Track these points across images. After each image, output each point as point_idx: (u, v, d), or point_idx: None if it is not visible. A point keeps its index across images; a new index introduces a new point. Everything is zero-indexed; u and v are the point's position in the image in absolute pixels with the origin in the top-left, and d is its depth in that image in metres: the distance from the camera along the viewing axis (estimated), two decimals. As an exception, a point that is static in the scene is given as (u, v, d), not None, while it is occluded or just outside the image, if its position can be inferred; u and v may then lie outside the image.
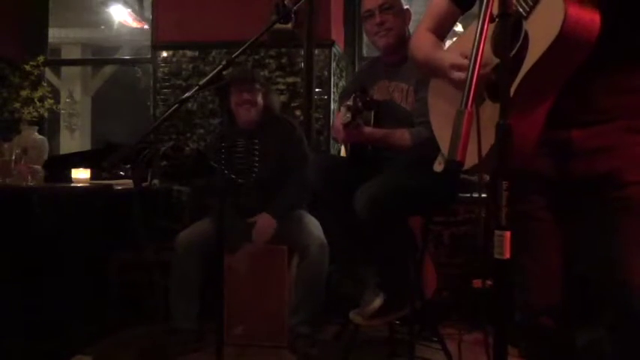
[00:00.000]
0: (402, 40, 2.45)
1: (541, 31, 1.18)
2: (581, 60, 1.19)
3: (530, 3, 1.20)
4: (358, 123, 2.27)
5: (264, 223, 2.80)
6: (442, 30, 1.58)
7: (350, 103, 2.32)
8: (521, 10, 1.22)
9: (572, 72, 1.22)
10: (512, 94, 1.22)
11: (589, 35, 1.16)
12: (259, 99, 2.93)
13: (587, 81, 1.25)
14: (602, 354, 1.39)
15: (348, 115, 2.28)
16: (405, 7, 2.51)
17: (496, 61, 1.28)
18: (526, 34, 1.21)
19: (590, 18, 1.16)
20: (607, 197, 1.28)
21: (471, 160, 1.06)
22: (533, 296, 1.44)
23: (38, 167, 3.06)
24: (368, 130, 2.34)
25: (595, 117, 1.28)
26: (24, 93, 3.58)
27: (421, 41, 1.57)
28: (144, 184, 2.86)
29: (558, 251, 1.41)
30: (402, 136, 2.32)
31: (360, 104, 2.28)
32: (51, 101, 3.69)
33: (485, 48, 1.23)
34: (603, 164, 1.27)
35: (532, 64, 1.19)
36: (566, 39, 1.14)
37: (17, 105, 3.56)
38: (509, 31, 1.03)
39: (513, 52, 1.23)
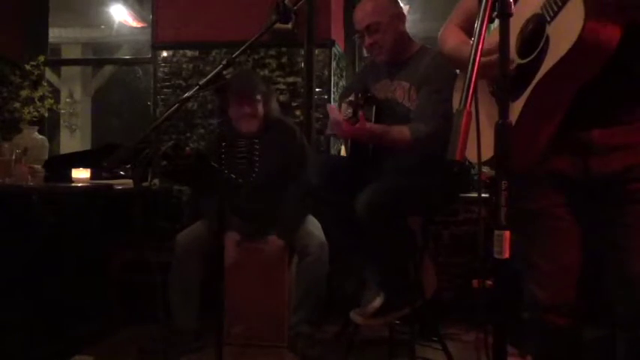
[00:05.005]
0: (400, 43, 2.46)
1: (561, 37, 1.20)
2: (600, 66, 1.21)
3: (555, 8, 1.22)
4: (359, 117, 2.28)
5: (275, 247, 2.83)
6: (470, 26, 1.60)
7: (352, 98, 2.33)
8: (546, 14, 1.24)
9: (589, 78, 1.23)
10: (528, 95, 1.26)
11: (607, 44, 1.18)
12: (260, 109, 2.89)
13: (612, 84, 1.27)
14: (609, 351, 1.40)
15: (350, 110, 2.29)
16: (397, 11, 2.46)
17: (518, 60, 1.30)
18: (547, 39, 1.24)
19: (610, 27, 1.18)
20: (623, 191, 1.31)
21: (486, 154, 1.08)
22: (543, 293, 1.45)
23: (38, 167, 3.06)
24: (368, 124, 2.32)
25: (618, 118, 1.31)
26: (24, 93, 3.58)
27: (449, 35, 1.61)
28: (144, 184, 2.86)
29: (576, 249, 1.43)
30: (401, 131, 2.31)
31: (361, 101, 2.30)
32: (51, 101, 3.69)
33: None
34: (621, 161, 1.30)
35: (549, 67, 1.22)
36: (584, 46, 1.16)
37: (17, 105, 3.56)
38: (509, 32, 1.03)
39: (534, 54, 1.26)
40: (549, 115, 1.30)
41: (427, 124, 2.26)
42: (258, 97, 2.88)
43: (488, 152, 1.07)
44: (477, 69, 0.97)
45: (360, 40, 2.56)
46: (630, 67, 1.26)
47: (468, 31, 1.60)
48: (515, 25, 1.25)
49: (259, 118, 2.90)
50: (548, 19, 1.24)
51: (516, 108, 1.28)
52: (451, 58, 1.62)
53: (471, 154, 1.16)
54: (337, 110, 2.41)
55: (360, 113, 2.29)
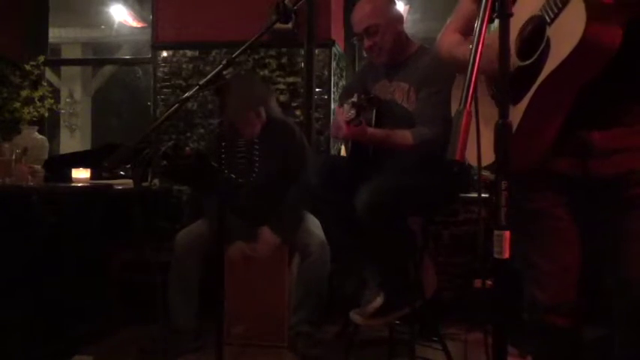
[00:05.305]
0: (399, 44, 2.46)
1: (562, 39, 1.19)
2: (602, 67, 1.21)
3: (556, 10, 1.21)
4: (362, 120, 2.27)
5: (267, 239, 2.81)
6: (469, 30, 1.60)
7: (354, 99, 2.32)
8: (545, 16, 1.24)
9: (591, 78, 1.23)
10: (530, 98, 1.26)
11: (610, 45, 1.18)
12: (262, 117, 2.90)
13: (612, 83, 1.27)
14: (609, 351, 1.40)
15: (353, 111, 2.28)
16: (394, 12, 2.47)
17: (518, 63, 1.29)
18: (548, 40, 1.23)
19: (613, 28, 1.17)
20: (622, 196, 1.31)
21: (486, 159, 1.07)
22: (543, 294, 1.46)
23: (38, 167, 3.06)
24: (370, 130, 2.33)
25: (618, 119, 1.31)
26: (24, 93, 3.58)
27: (446, 39, 1.62)
28: (144, 184, 2.87)
29: (575, 249, 1.43)
30: (404, 136, 2.31)
31: (364, 102, 2.29)
32: (51, 101, 3.69)
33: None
34: (621, 164, 1.30)
35: (551, 70, 1.21)
36: (586, 48, 1.15)
37: (17, 105, 3.56)
38: (509, 33, 1.03)
39: (535, 56, 1.25)
40: (551, 118, 1.29)
41: (429, 127, 2.26)
42: (260, 114, 2.89)
43: (488, 157, 1.06)
44: (477, 69, 0.96)
45: (359, 42, 2.56)
46: (631, 66, 1.26)
47: (468, 34, 1.60)
48: (514, 27, 1.24)
49: (262, 123, 2.91)
50: (549, 20, 1.23)
51: (518, 111, 1.28)
52: (447, 61, 1.62)
53: (471, 158, 1.16)
54: (341, 113, 2.41)
55: (362, 119, 2.29)
